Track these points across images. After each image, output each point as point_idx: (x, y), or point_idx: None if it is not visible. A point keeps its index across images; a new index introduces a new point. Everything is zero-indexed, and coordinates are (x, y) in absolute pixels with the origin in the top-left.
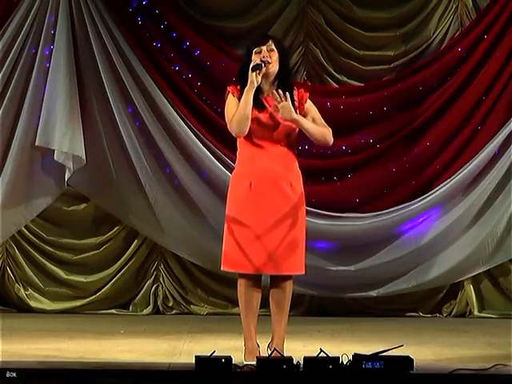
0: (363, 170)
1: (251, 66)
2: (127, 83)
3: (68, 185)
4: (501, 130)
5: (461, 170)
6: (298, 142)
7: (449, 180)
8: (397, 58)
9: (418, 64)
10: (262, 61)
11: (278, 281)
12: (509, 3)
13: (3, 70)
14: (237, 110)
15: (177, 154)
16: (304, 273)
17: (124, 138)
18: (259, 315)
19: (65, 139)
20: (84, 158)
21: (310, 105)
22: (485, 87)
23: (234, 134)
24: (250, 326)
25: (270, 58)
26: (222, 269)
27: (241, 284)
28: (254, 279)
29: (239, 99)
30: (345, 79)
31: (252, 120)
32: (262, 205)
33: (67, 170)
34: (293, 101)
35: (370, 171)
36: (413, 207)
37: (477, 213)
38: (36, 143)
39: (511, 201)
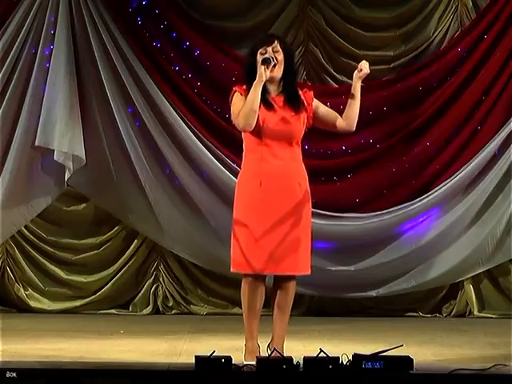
0: (363, 170)
1: (261, 59)
2: (127, 83)
3: (68, 185)
4: (500, 130)
5: (461, 170)
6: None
7: (449, 180)
8: (397, 58)
9: (417, 64)
10: (271, 57)
11: (281, 281)
12: (509, 3)
13: (3, 69)
14: (244, 104)
15: (177, 154)
16: (310, 273)
17: (124, 138)
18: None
19: (64, 139)
20: (84, 158)
21: (317, 102)
22: (485, 87)
23: (240, 128)
24: (251, 326)
25: (276, 58)
26: (231, 271)
27: (245, 284)
28: (259, 279)
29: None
30: (345, 79)
31: (261, 120)
32: (270, 204)
33: (67, 170)
34: (300, 100)
35: (370, 171)
36: (413, 207)
37: (477, 213)
38: (36, 143)
39: (511, 201)
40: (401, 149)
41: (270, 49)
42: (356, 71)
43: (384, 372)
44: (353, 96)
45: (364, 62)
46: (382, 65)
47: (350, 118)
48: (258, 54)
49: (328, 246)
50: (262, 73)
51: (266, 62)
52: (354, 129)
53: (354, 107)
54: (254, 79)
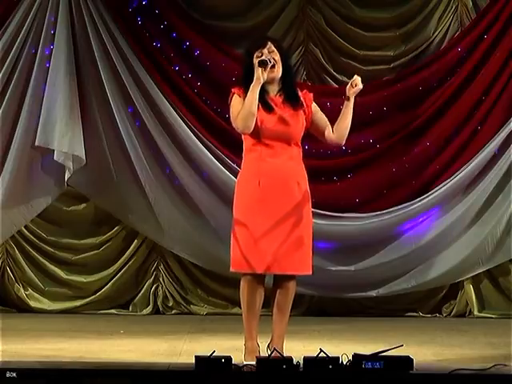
0: (363, 169)
1: (258, 61)
2: (127, 83)
3: (68, 185)
4: (500, 130)
5: (461, 170)
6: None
7: (449, 180)
8: (397, 58)
9: (417, 64)
10: (268, 59)
11: (281, 281)
12: (509, 3)
13: (3, 69)
14: (242, 106)
15: (177, 154)
16: (311, 273)
17: (124, 138)
18: (259, 315)
19: (64, 139)
20: (84, 158)
21: (315, 106)
22: (485, 87)
23: (239, 131)
24: (251, 326)
25: (273, 59)
26: (231, 270)
27: (244, 283)
28: (258, 279)
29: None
30: (345, 79)
31: (259, 121)
32: (269, 203)
33: (67, 170)
34: (299, 100)
35: (370, 171)
36: (413, 207)
37: (477, 213)
38: (36, 143)
39: (511, 201)
40: (401, 149)
41: (265, 50)
42: (349, 86)
43: (384, 372)
44: (345, 110)
45: (356, 77)
46: (382, 65)
47: (340, 131)
48: (255, 58)
49: (328, 246)
50: (260, 75)
51: (263, 63)
52: (344, 142)
53: (346, 121)
54: (251, 82)
